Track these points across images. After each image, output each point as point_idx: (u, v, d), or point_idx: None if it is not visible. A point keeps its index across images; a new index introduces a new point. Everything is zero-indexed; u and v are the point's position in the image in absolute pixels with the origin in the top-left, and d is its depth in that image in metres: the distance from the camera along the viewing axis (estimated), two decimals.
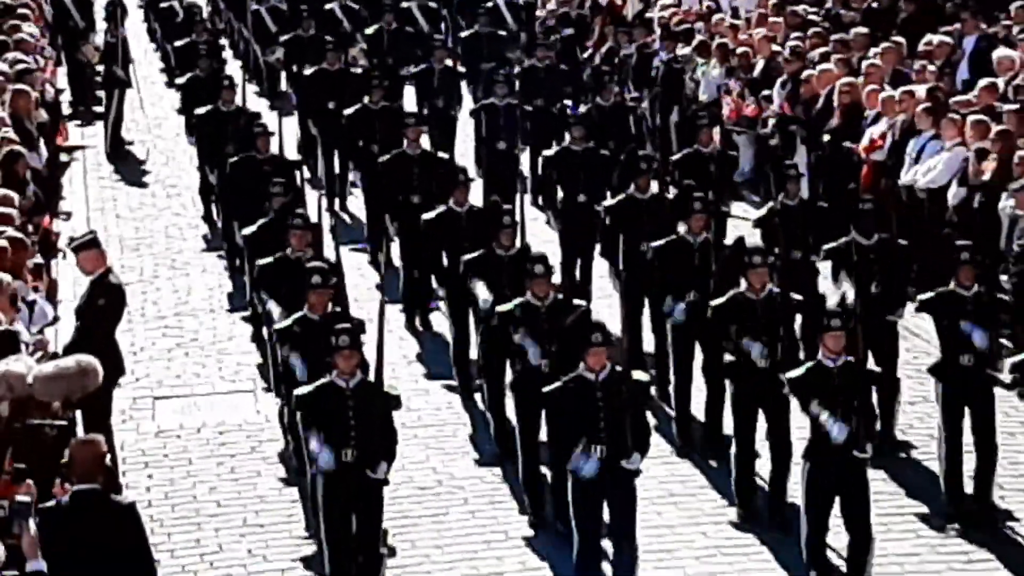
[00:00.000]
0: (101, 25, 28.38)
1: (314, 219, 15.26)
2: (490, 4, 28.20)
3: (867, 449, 11.88)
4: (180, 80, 24.36)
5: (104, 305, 14.48)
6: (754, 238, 15.60)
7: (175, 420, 16.03)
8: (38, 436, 10.57)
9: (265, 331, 15.29)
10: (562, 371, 11.89)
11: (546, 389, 11.69)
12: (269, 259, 14.76)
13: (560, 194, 18.84)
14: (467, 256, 14.99)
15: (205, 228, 21.78)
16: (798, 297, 13.82)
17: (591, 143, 19.18)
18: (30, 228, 15.43)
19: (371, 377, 11.69)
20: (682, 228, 15.47)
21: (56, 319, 15.18)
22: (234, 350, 17.84)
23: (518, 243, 14.95)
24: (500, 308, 13.93)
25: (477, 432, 15.46)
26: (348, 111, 21.11)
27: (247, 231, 16.49)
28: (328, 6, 27.82)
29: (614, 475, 11.44)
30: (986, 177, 17.30)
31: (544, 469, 13.76)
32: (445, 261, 16.11)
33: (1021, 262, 16.29)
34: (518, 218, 14.99)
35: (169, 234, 21.95)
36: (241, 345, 17.90)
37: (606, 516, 11.88)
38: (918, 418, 15.41)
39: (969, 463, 13.50)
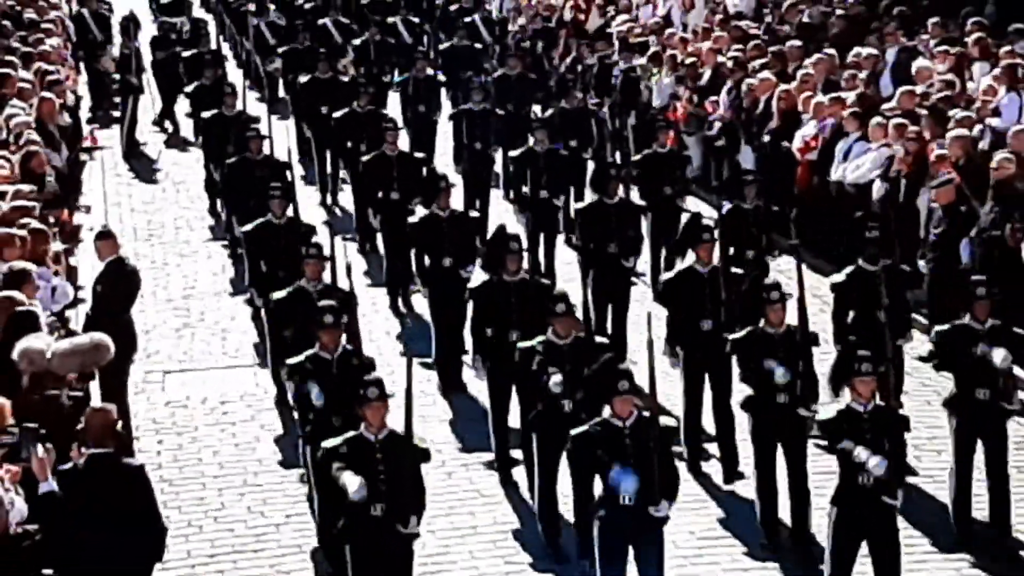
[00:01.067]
0: (117, 39, 28.31)
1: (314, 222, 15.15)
2: (468, 20, 28.21)
3: (898, 495, 10.68)
4: (188, 88, 24.26)
5: (119, 288, 14.54)
6: (772, 274, 14.25)
7: (183, 392, 16.02)
8: (55, 405, 10.51)
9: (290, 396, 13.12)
10: (588, 415, 10.86)
11: (573, 433, 10.38)
12: (283, 293, 13.72)
13: (525, 189, 18.78)
14: (473, 285, 13.98)
15: (210, 220, 21.63)
16: (815, 332, 12.55)
17: (553, 144, 19.16)
18: (51, 220, 15.34)
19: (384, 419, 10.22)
20: (691, 258, 14.28)
21: (76, 301, 15.13)
22: (235, 329, 17.79)
23: (525, 267, 13.74)
24: (521, 345, 12.64)
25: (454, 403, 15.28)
26: (337, 115, 21.05)
27: (245, 228, 16.33)
28: (321, 21, 27.75)
29: (641, 522, 10.22)
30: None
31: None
32: (427, 261, 15.69)
33: (937, 248, 16.32)
34: (525, 244, 13.86)
35: (177, 225, 21.89)
36: (242, 325, 17.80)
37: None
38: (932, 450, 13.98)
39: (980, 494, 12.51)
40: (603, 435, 10.18)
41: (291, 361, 12.25)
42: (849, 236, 17.26)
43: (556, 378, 11.76)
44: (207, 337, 17.66)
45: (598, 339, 13.14)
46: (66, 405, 10.55)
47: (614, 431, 10.19)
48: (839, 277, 14.50)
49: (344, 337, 12.16)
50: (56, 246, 14.91)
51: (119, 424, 10.26)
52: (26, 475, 9.35)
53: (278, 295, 13.89)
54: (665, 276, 13.86)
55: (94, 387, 13.25)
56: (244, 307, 17.96)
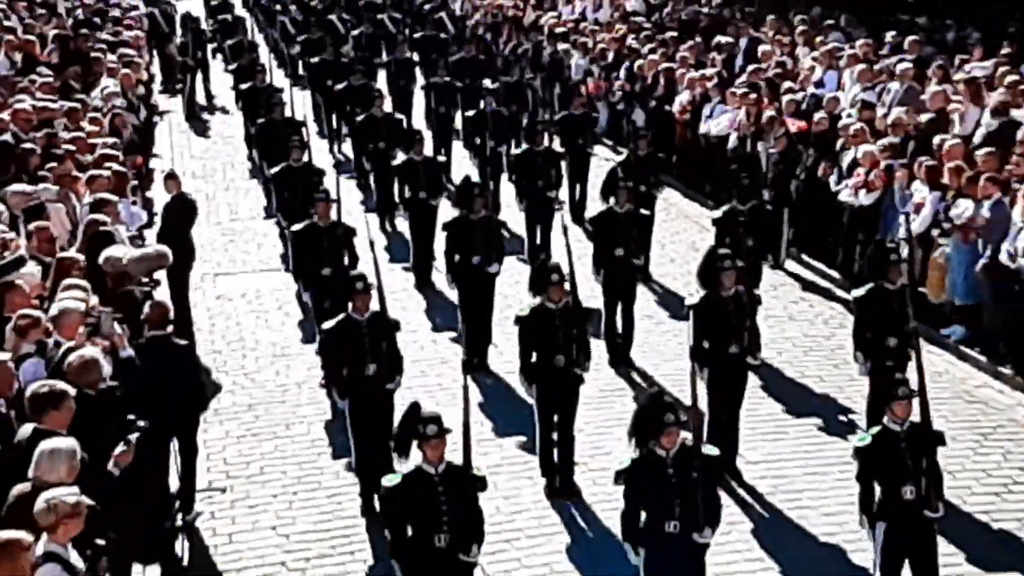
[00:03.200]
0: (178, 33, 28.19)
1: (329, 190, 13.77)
2: (436, 16, 28.10)
3: (939, 508, 8.40)
4: (231, 67, 24.09)
5: (181, 214, 14.54)
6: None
7: (228, 289, 16.01)
8: (131, 297, 10.56)
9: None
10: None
11: (619, 468, 8.17)
12: (332, 323, 10.71)
13: (478, 142, 18.69)
14: (521, 314, 10.82)
15: (248, 164, 21.45)
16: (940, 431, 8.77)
17: (500, 108, 19.03)
18: (128, 163, 15.44)
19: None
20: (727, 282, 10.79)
21: (150, 223, 15.16)
22: (266, 244, 17.68)
23: (567, 298, 10.82)
24: (519, 312, 10.87)
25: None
26: (339, 87, 20.87)
27: (273, 170, 16.22)
28: (329, 17, 27.55)
29: (685, 548, 8.04)
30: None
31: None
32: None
33: (774, 185, 16.20)
34: (566, 272, 10.75)
35: (224, 168, 21.75)
36: (271, 240, 17.71)
37: None
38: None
39: None
40: (647, 465, 8.04)
41: (326, 326, 10.87)
42: (717, 179, 17.59)
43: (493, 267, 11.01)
44: (246, 249, 17.60)
45: (585, 306, 11.31)
46: (138, 298, 10.59)
47: (657, 461, 8.01)
48: (717, 215, 13.98)
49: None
50: (134, 182, 15.03)
51: (172, 313, 10.48)
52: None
53: (327, 326, 11.00)
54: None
55: (165, 286, 13.48)
56: (273, 227, 17.87)
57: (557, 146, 17.74)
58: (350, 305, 10.60)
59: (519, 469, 11.17)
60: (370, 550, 10.04)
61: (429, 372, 13.20)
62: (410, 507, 7.96)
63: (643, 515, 8.06)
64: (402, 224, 17.34)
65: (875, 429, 8.45)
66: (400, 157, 16.44)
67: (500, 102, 19.47)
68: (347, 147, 21.77)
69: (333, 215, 13.35)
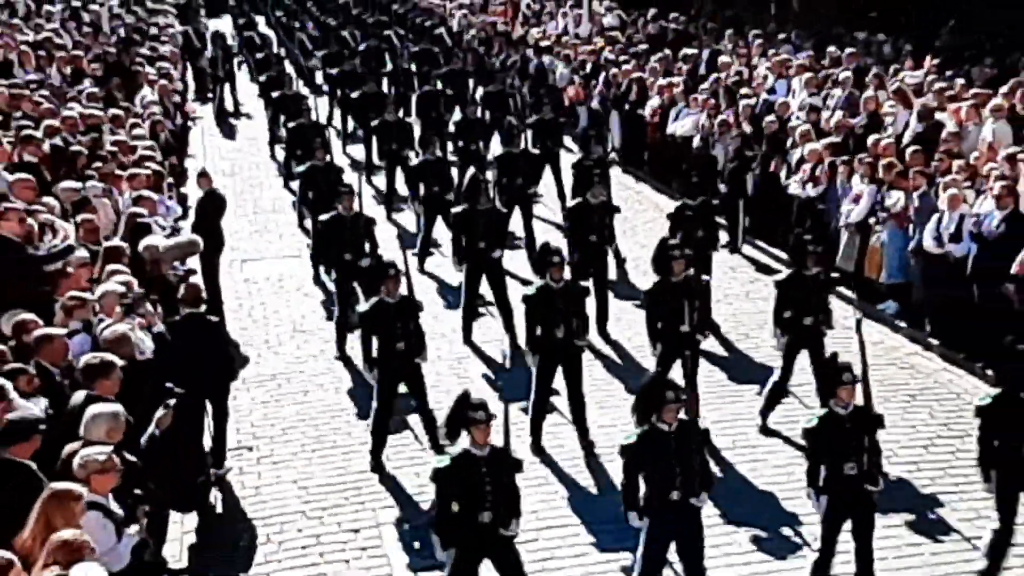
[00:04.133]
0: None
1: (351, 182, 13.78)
2: (436, 32, 28.02)
3: (878, 483, 8.19)
4: (262, 77, 23.77)
5: (212, 207, 14.52)
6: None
7: (254, 272, 15.96)
8: (166, 281, 10.64)
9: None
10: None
11: (624, 442, 8.03)
12: (367, 306, 10.63)
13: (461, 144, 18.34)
14: (527, 291, 10.77)
15: (272, 164, 21.38)
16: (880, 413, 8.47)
17: (484, 114, 18.87)
18: (166, 163, 15.47)
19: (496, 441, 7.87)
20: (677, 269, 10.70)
21: (185, 215, 15.13)
22: (287, 233, 17.56)
23: (567, 275, 10.93)
24: (526, 291, 10.78)
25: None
26: (354, 95, 20.69)
27: (299, 169, 16.08)
28: (342, 32, 27.42)
29: (685, 512, 7.89)
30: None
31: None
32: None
33: (730, 179, 16.30)
34: (566, 255, 11.07)
35: (250, 166, 21.64)
36: (292, 230, 17.62)
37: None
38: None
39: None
40: (651, 439, 7.86)
41: (361, 308, 10.77)
42: (680, 176, 17.53)
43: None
44: (269, 239, 17.50)
45: (582, 283, 11.30)
46: (173, 281, 10.63)
47: (661, 435, 7.82)
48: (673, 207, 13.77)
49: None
50: (170, 180, 15.02)
51: (204, 293, 10.50)
52: None
53: (362, 308, 10.86)
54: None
55: (198, 271, 13.45)
56: (294, 217, 17.83)
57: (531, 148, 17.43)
58: (382, 289, 10.47)
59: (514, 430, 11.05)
60: (379, 501, 10.08)
61: (429, 344, 13.10)
62: (458, 486, 7.71)
63: (642, 485, 7.88)
64: (408, 215, 17.29)
65: (822, 412, 8.25)
66: (417, 157, 16.28)
67: (483, 109, 19.34)
68: (354, 148, 21.67)
69: (356, 207, 13.28)
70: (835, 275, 11.95)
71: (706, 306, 11.19)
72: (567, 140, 19.68)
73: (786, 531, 9.33)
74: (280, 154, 20.59)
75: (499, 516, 7.76)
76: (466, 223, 13.18)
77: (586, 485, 10.27)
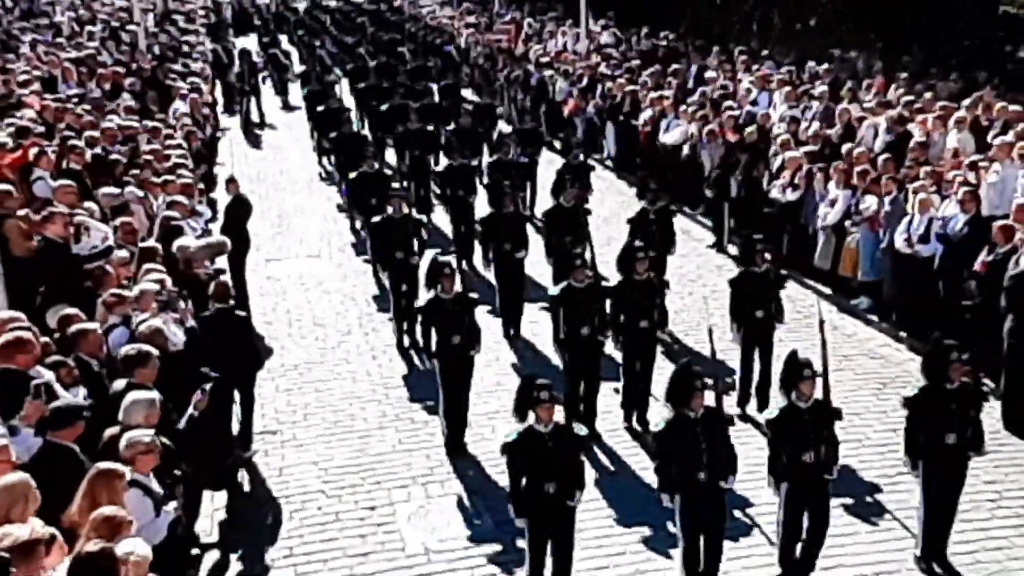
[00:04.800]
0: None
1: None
2: (446, 50, 27.99)
3: (833, 472, 8.12)
4: (305, 91, 23.42)
5: (239, 211, 14.49)
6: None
7: (278, 272, 15.91)
8: (198, 278, 10.61)
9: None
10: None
11: (653, 429, 8.11)
12: (423, 301, 10.56)
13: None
14: (553, 291, 10.70)
15: (294, 168, 21.18)
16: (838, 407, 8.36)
17: (475, 126, 18.77)
18: (197, 172, 15.47)
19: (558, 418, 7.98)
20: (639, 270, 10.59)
21: (214, 218, 15.09)
22: (307, 236, 17.54)
23: (588, 274, 10.62)
24: (552, 292, 10.72)
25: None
26: (384, 107, 20.11)
27: (351, 175, 15.94)
28: (359, 50, 27.31)
29: (712, 493, 7.87)
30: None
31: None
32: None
33: (716, 184, 16.18)
34: (588, 257, 10.87)
35: (273, 173, 21.61)
36: (314, 232, 17.60)
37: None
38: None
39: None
40: (679, 425, 7.85)
41: (419, 304, 10.68)
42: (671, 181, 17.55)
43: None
44: (292, 239, 17.48)
45: (604, 284, 11.03)
46: (203, 279, 10.62)
47: (688, 421, 7.82)
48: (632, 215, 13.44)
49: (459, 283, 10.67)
50: (200, 185, 15.01)
51: (232, 289, 10.51)
52: None
53: (420, 303, 10.77)
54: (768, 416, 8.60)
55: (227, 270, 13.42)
56: (318, 220, 17.75)
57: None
58: (438, 286, 10.36)
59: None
60: (393, 482, 10.09)
61: None
62: (524, 459, 7.74)
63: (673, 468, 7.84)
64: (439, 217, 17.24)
65: (784, 404, 8.11)
66: (443, 163, 16.13)
67: (473, 120, 19.24)
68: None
69: (405, 209, 13.25)
70: (784, 272, 11.78)
71: (664, 305, 11.12)
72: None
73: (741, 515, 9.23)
74: (327, 164, 20.61)
75: (563, 488, 7.76)
76: (492, 227, 13.15)
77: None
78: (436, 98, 21.03)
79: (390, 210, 13.00)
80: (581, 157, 16.48)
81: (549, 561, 8.01)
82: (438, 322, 10.24)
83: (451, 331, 10.24)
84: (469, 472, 10.15)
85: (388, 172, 16.20)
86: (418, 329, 10.84)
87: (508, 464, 7.84)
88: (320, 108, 20.80)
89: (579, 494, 7.88)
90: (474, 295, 10.84)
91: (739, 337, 10.83)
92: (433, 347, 10.29)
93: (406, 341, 12.89)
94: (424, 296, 10.78)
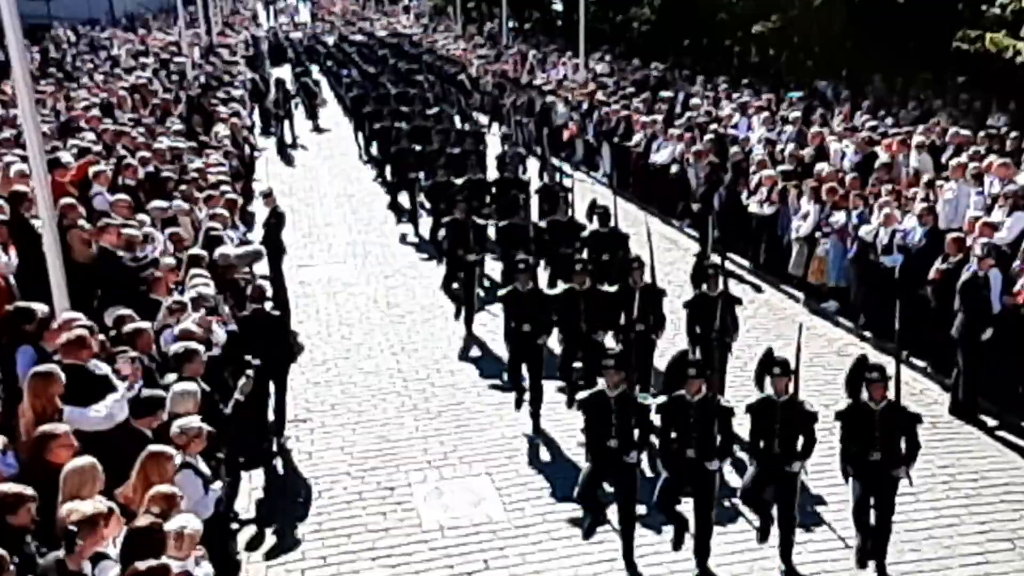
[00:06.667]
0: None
1: None
2: (459, 78, 28.07)
3: (797, 466, 7.87)
4: (367, 109, 22.84)
5: (275, 222, 14.41)
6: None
7: (310, 276, 15.91)
8: (237, 284, 10.60)
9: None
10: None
11: (654, 403, 8.08)
12: (504, 292, 10.72)
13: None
14: (554, 293, 10.86)
15: (322, 184, 21.22)
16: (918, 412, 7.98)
17: (464, 148, 18.19)
18: (237, 187, 15.54)
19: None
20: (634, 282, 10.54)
21: (250, 229, 15.07)
22: (335, 244, 17.57)
23: (647, 279, 10.49)
24: (554, 291, 10.84)
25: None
26: (406, 127, 19.75)
27: (426, 184, 16.04)
28: (381, 79, 27.20)
29: (698, 471, 7.88)
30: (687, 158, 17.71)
31: None
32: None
33: (702, 199, 16.11)
34: (646, 259, 10.45)
35: (304, 188, 21.61)
36: (339, 241, 17.62)
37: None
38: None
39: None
40: (675, 404, 7.94)
41: (501, 293, 10.80)
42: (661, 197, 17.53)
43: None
44: (320, 248, 17.46)
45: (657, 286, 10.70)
46: (241, 284, 10.63)
47: (684, 403, 7.90)
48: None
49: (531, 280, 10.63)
50: (239, 200, 14.98)
51: (270, 292, 10.54)
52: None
53: (503, 293, 10.84)
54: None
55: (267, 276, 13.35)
56: (344, 231, 17.69)
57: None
58: (518, 279, 10.50)
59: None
60: (410, 465, 10.10)
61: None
62: (592, 416, 8.05)
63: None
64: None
65: (762, 395, 8.10)
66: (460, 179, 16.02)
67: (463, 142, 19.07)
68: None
69: (468, 213, 13.22)
70: (736, 297, 11.28)
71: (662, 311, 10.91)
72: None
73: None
74: (384, 173, 20.46)
75: (624, 444, 7.96)
76: (508, 237, 13.16)
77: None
78: (440, 122, 20.80)
79: (456, 214, 13.07)
80: (520, 150, 16.58)
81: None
82: (512, 312, 10.40)
83: (522, 320, 10.35)
84: (479, 458, 10.19)
85: (457, 182, 15.81)
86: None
87: (584, 419, 8.16)
88: (377, 126, 20.66)
89: (636, 453, 8.01)
90: (547, 292, 10.94)
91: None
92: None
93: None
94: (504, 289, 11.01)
